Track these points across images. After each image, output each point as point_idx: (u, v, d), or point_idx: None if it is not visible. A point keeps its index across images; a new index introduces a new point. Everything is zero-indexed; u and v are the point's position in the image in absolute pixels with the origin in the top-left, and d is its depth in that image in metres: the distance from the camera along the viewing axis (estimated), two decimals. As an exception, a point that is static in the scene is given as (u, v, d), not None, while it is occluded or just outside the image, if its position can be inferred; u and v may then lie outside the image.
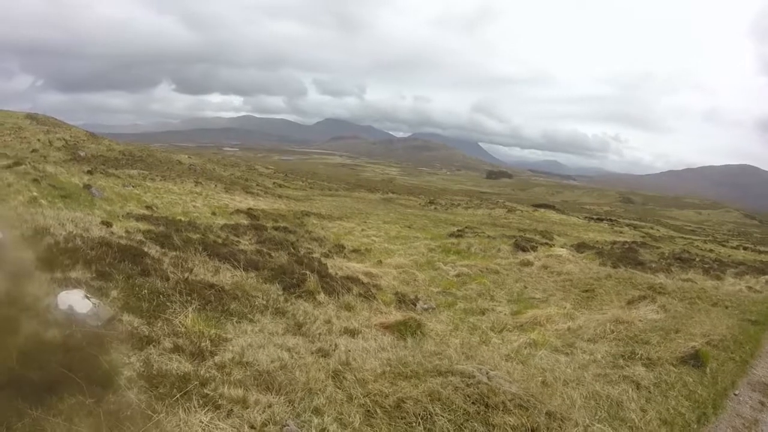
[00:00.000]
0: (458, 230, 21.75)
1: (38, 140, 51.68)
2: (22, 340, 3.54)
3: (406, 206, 45.48)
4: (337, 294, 7.81)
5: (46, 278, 5.04)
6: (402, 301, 8.60)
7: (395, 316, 7.06)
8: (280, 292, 7.18)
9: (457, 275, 11.70)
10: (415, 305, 8.54)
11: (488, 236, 19.24)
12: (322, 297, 7.45)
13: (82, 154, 48.26)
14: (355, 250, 14.58)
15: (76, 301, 4.37)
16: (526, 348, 6.38)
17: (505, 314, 8.49)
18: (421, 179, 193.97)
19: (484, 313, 8.55)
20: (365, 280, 9.83)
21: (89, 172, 23.05)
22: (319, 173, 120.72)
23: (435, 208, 45.39)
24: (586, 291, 10.54)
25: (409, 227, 23.58)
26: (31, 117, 61.80)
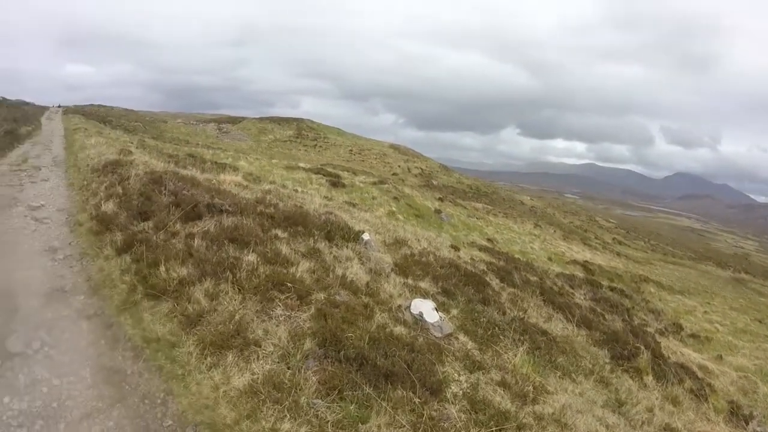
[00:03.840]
0: (831, 339, 16.94)
1: (399, 166, 64.75)
2: (374, 328, 4.27)
3: (761, 293, 36.99)
4: (666, 381, 7.38)
5: (400, 281, 5.96)
6: (734, 413, 7.77)
7: (722, 430, 6.33)
8: (608, 360, 7.10)
9: (814, 399, 9.66)
10: (748, 424, 7.55)
11: None
12: (649, 379, 7.17)
13: (435, 182, 56.40)
14: (693, 335, 13.86)
15: (427, 310, 5.03)
16: None
17: None
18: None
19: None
20: (699, 374, 9.24)
21: (440, 199, 26.47)
22: (663, 235, 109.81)
23: (801, 303, 35.29)
24: None
25: (760, 321, 20.07)
26: (394, 147, 78.45)
